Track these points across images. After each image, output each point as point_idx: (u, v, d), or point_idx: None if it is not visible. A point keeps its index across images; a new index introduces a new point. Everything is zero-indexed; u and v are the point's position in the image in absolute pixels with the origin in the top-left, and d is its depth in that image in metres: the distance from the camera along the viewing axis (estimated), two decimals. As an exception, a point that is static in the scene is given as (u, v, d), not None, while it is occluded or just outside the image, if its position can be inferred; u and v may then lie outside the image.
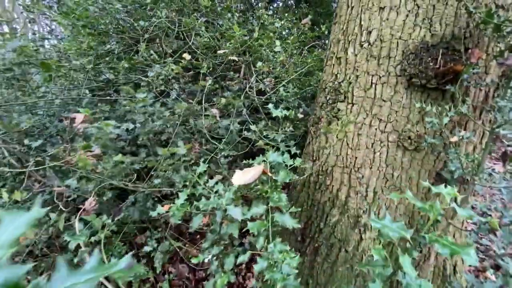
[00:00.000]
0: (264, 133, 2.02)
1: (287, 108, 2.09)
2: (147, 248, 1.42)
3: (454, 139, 0.99)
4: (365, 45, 1.34)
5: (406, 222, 1.40)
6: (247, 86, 2.04)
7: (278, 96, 1.98)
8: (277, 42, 2.41)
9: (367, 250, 1.44)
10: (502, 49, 0.92)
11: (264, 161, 1.03)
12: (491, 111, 1.08)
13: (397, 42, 1.24)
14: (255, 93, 2.29)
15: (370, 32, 1.32)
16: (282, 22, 1.76)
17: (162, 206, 1.09)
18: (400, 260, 0.59)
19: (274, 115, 1.16)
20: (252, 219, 0.98)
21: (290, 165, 1.10)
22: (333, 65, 1.53)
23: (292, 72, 2.01)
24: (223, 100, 1.78)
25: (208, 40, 2.28)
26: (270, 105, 1.18)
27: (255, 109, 2.52)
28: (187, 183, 1.02)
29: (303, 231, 1.73)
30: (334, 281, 1.46)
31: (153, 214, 0.97)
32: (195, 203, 0.93)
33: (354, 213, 1.46)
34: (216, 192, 1.02)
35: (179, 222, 0.91)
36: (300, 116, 2.09)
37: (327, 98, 1.55)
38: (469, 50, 1.05)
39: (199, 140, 2.05)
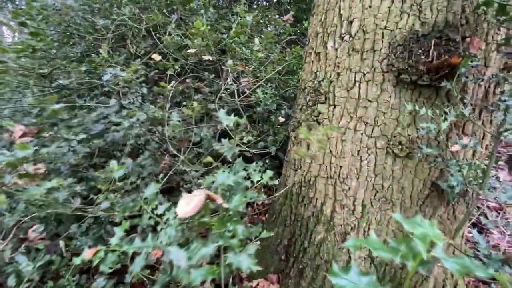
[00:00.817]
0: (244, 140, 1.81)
1: (270, 112, 1.90)
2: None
3: (455, 148, 0.82)
4: (346, 37, 1.16)
5: (399, 239, 1.23)
6: (222, 87, 1.84)
7: (256, 98, 1.78)
8: (256, 41, 2.23)
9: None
10: (508, 35, 0.74)
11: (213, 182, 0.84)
12: (494, 111, 0.92)
13: (382, 33, 1.07)
14: (236, 95, 2.09)
15: (351, 22, 1.15)
16: (255, 15, 1.57)
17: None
18: None
19: (225, 124, 0.96)
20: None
21: (257, 182, 0.91)
22: (312, 62, 1.35)
23: (270, 71, 1.82)
24: (195, 104, 1.58)
25: (180, 38, 2.07)
26: (221, 112, 0.99)
27: (234, 112, 2.32)
28: (126, 214, 0.82)
29: (287, 248, 1.54)
30: (321, 309, 1.28)
31: (77, 261, 0.76)
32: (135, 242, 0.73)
33: (341, 229, 1.28)
34: (166, 222, 0.82)
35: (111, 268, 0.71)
36: (282, 119, 1.91)
37: (307, 99, 1.37)
38: (467, 39, 0.88)
39: (170, 151, 1.84)
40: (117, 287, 1.35)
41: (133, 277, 1.20)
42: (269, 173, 0.96)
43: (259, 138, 1.91)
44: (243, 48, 1.86)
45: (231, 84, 2.01)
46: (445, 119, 0.76)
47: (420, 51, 0.97)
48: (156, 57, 2.10)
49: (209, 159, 1.05)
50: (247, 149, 1.79)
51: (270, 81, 2.02)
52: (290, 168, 1.55)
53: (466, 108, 0.85)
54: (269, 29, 2.87)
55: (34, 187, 0.90)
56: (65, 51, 2.15)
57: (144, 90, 1.96)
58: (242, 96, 1.87)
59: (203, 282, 0.88)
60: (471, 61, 0.86)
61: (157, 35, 2.22)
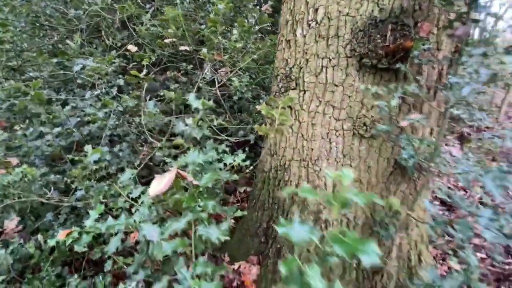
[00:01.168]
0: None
1: (240, 99, 1.94)
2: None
3: (404, 123, 0.89)
4: (313, 24, 1.21)
5: (368, 215, 1.32)
6: (200, 77, 1.86)
7: (234, 88, 1.81)
8: (235, 31, 2.24)
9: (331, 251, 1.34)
10: (451, 19, 0.81)
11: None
12: (443, 90, 0.99)
13: (345, 19, 1.12)
14: (217, 84, 2.11)
15: (316, 10, 1.19)
16: (227, 2, 1.58)
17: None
18: (306, 272, 0.47)
19: (194, 106, 0.99)
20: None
21: (230, 164, 0.95)
22: (284, 49, 1.39)
23: (246, 59, 1.85)
24: (172, 94, 1.59)
25: (156, 28, 2.05)
26: (191, 96, 1.02)
27: (215, 102, 2.34)
28: (101, 198, 0.84)
29: (266, 231, 1.61)
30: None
31: (51, 243, 0.79)
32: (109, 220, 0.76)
33: (314, 209, 1.35)
34: (141, 204, 0.85)
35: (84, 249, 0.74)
36: (259, 107, 1.95)
37: (280, 86, 1.41)
38: (419, 24, 0.95)
39: (149, 141, 1.85)
40: (97, 277, 1.37)
41: (113, 263, 1.22)
42: (242, 155, 1.01)
43: (238, 126, 1.95)
44: (219, 37, 1.87)
45: (210, 74, 2.02)
46: (394, 96, 0.83)
47: (378, 36, 1.03)
48: (132, 48, 2.08)
49: (179, 141, 1.08)
50: (226, 137, 1.84)
51: (248, 70, 2.05)
52: (267, 154, 1.60)
53: (410, 86, 0.92)
54: (250, 20, 2.88)
55: (5, 175, 0.90)
56: (36, 43, 2.09)
57: (121, 82, 1.95)
58: (218, 85, 1.89)
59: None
60: (423, 44, 0.93)
61: (133, 25, 2.19)
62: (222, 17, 1.58)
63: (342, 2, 1.12)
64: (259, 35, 2.39)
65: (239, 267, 1.67)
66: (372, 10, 1.06)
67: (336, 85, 1.19)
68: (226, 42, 2.01)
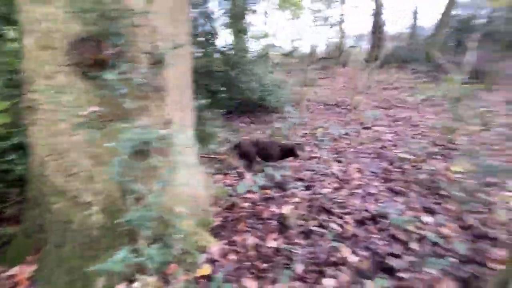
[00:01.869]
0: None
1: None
2: None
3: (85, 113, 1.28)
4: (38, 35, 1.40)
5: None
6: None
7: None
8: (11, 32, 2.11)
9: (92, 224, 1.57)
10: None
11: None
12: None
13: (62, 35, 1.38)
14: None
15: (40, 24, 1.39)
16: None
17: None
18: None
19: None
20: None
21: None
22: (23, 54, 1.51)
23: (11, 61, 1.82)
24: None
25: None
26: None
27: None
28: None
29: (40, 226, 1.68)
30: (63, 262, 1.53)
31: None
32: None
33: (72, 194, 1.56)
34: None
35: None
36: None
37: (24, 87, 1.53)
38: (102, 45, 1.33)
39: None
40: None
41: None
42: None
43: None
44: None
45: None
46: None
47: (84, 50, 1.35)
48: None
49: None
50: None
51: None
52: (31, 154, 1.67)
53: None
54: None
55: None
56: None
57: None
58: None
59: None
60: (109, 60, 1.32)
61: None
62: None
63: (57, 20, 1.37)
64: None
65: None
66: (79, 30, 1.37)
67: (66, 88, 1.44)
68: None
